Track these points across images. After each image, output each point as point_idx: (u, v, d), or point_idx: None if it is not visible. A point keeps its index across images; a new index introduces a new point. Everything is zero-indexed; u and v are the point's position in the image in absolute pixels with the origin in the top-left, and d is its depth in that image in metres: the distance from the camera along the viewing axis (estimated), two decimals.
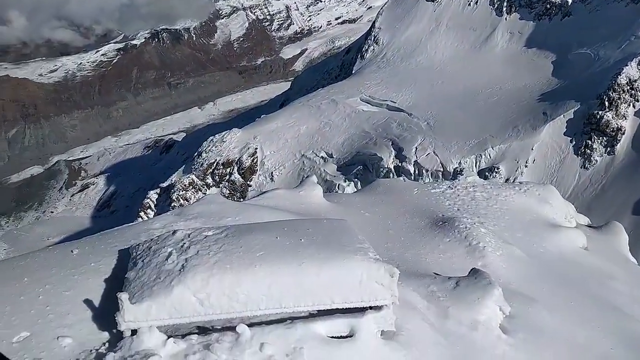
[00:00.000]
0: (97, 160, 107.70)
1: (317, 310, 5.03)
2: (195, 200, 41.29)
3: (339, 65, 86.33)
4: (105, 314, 4.91)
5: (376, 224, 10.57)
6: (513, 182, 37.34)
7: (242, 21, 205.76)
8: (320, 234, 5.61)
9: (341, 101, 57.70)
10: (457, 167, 46.39)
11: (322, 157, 52.29)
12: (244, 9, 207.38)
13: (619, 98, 46.16)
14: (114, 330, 4.70)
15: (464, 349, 5.83)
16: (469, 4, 71.20)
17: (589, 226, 13.30)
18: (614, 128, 45.36)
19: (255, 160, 54.04)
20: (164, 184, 55.75)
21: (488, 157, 46.69)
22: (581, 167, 45.27)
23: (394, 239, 9.93)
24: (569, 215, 12.58)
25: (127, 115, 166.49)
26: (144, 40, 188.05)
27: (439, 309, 6.38)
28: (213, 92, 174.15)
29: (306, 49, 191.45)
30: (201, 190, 52.35)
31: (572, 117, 47.20)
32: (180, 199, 51.47)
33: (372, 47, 71.96)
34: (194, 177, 53.86)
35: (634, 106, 46.55)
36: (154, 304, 4.55)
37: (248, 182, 53.21)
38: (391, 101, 56.77)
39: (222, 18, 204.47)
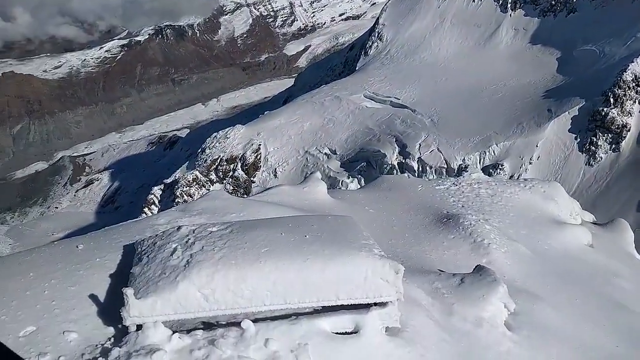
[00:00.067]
0: (101, 156, 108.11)
1: (322, 307, 5.03)
2: (199, 196, 41.35)
3: (343, 62, 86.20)
4: (110, 309, 4.92)
5: (380, 220, 10.56)
6: (517, 179, 37.22)
7: (245, 17, 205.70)
8: (325, 230, 5.60)
9: (345, 98, 57.62)
10: (461, 164, 46.26)
11: (325, 153, 52.26)
12: (248, 5, 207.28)
13: (625, 95, 45.88)
14: (119, 325, 4.72)
15: (469, 345, 5.82)
16: (474, 0, 70.88)
17: (594, 223, 13.24)
18: (619, 125, 45.11)
19: (258, 157, 54.08)
20: (168, 180, 55.90)
21: (492, 154, 46.54)
22: (586, 164, 45.05)
23: (398, 236, 9.91)
24: (574, 212, 12.52)
25: (131, 112, 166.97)
26: (147, 36, 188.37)
27: (443, 305, 6.37)
28: (217, 89, 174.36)
29: (310, 46, 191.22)
30: (205, 187, 52.47)
31: (577, 114, 46.96)
32: (184, 195, 51.60)
33: (375, 44, 71.78)
34: (197, 173, 53.97)
35: (639, 103, 46.27)
36: (159, 299, 4.56)
37: (251, 179, 53.27)
38: (395, 98, 56.65)
39: (226, 14, 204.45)
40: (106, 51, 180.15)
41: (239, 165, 54.05)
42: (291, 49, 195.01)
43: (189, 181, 53.24)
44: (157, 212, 40.02)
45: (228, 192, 40.64)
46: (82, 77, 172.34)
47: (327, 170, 49.11)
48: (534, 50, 61.18)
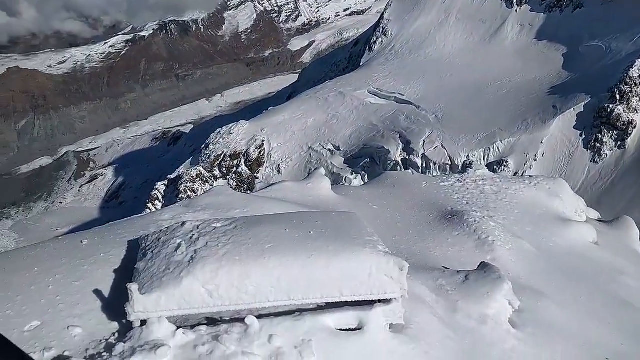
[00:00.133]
0: (105, 151, 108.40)
1: (326, 303, 5.02)
2: (203, 192, 41.45)
3: (347, 58, 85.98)
4: (114, 304, 4.93)
5: (384, 217, 10.54)
6: (522, 175, 37.10)
7: (250, 13, 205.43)
8: (329, 226, 5.59)
9: (349, 93, 57.49)
10: (465, 161, 46.12)
11: (329, 149, 52.21)
12: (252, 0, 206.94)
13: (631, 91, 45.57)
14: (124, 321, 4.73)
15: (473, 343, 5.80)
16: None
17: (600, 220, 13.18)
18: (624, 122, 44.83)
19: (262, 153, 54.08)
20: (172, 176, 56.01)
21: (497, 150, 46.36)
22: (591, 161, 44.82)
23: (402, 232, 9.89)
24: (579, 209, 12.47)
25: (135, 107, 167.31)
26: (152, 31, 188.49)
27: (448, 302, 6.36)
28: (221, 84, 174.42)
29: (314, 41, 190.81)
30: (208, 182, 52.54)
31: (583, 110, 46.68)
32: (188, 191, 51.70)
33: (380, 39, 71.51)
34: (201, 169, 54.05)
35: None
36: (164, 294, 4.56)
37: (255, 174, 53.30)
38: (399, 94, 56.46)
39: (230, 10, 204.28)
40: (111, 46, 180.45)
41: (243, 161, 54.08)
42: (295, 44, 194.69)
43: (192, 177, 53.32)
44: (161, 207, 40.16)
45: (232, 187, 40.66)
46: (86, 72, 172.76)
47: (330, 166, 49.08)
48: (539, 46, 60.79)
